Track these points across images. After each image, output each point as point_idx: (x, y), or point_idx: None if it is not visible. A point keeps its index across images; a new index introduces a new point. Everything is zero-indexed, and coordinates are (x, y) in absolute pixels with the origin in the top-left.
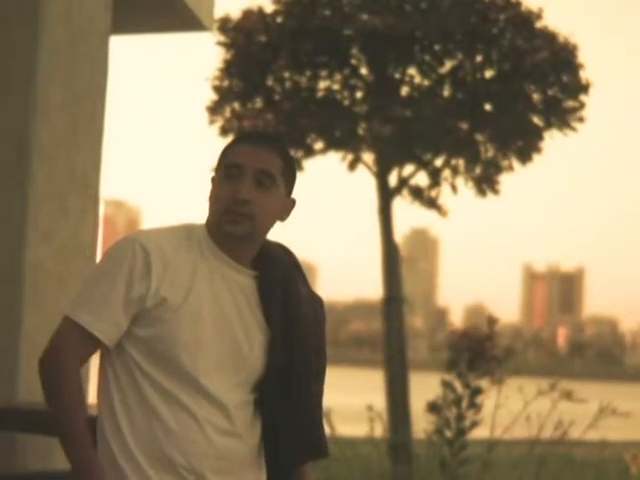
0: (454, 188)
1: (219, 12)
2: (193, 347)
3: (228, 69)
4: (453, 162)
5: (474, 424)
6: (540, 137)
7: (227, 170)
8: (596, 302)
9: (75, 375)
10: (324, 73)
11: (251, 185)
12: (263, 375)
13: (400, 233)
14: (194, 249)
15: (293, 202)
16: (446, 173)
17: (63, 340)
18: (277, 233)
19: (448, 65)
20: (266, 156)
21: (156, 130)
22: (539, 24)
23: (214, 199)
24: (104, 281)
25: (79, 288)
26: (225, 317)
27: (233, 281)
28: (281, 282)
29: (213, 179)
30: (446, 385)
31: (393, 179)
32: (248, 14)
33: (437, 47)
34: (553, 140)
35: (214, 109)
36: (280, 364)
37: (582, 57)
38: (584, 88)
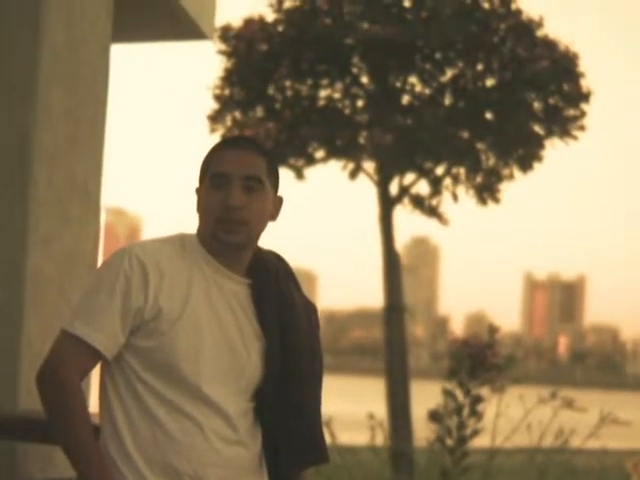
0: (455, 196)
1: (220, 21)
2: (193, 357)
3: (229, 78)
4: (454, 171)
5: (475, 432)
6: (541, 145)
7: (213, 180)
8: (597, 311)
9: (77, 389)
10: (325, 82)
11: (240, 191)
12: (261, 382)
13: (401, 241)
14: (189, 259)
15: (281, 200)
16: (447, 182)
17: (61, 354)
18: (278, 240)
19: (449, 74)
20: (251, 160)
21: (157, 138)
22: (540, 33)
23: (204, 209)
24: (101, 294)
25: (76, 302)
26: (223, 326)
27: (228, 290)
28: (275, 290)
29: (198, 190)
30: (447, 393)
31: (394, 188)
32: (249, 23)
33: (438, 56)
34: (554, 148)
35: (215, 118)
36: (277, 371)
37: (583, 65)
38: (585, 96)
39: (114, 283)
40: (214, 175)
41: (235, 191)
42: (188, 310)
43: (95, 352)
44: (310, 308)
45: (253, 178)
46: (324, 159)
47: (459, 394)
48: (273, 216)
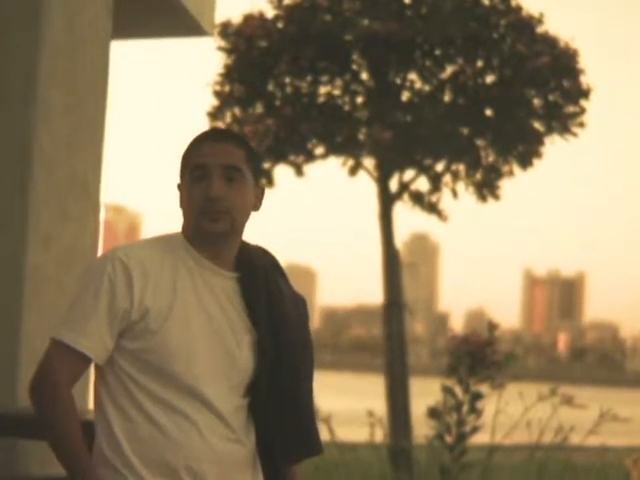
0: (455, 193)
1: (220, 17)
2: (185, 355)
3: (229, 74)
4: (454, 167)
5: (474, 429)
6: (541, 142)
7: (194, 172)
8: (597, 307)
9: (67, 396)
10: (325, 78)
11: (221, 182)
12: (254, 377)
13: (401, 238)
14: (174, 258)
15: (262, 190)
16: (447, 178)
17: (50, 362)
18: (278, 237)
19: (449, 70)
20: (229, 150)
21: (157, 135)
22: (540, 29)
23: (187, 203)
24: (86, 299)
25: (65, 310)
26: (213, 321)
27: (216, 285)
28: (264, 283)
29: (179, 185)
30: (446, 390)
31: (394, 184)
32: (249, 19)
33: (438, 52)
34: (554, 145)
35: (215, 114)
36: (270, 364)
37: (583, 62)
38: (585, 93)
39: (98, 288)
40: (194, 167)
41: (215, 181)
42: (176, 308)
43: (83, 357)
44: (299, 301)
45: (232, 167)
46: (324, 155)
47: (458, 391)
48: (256, 206)
